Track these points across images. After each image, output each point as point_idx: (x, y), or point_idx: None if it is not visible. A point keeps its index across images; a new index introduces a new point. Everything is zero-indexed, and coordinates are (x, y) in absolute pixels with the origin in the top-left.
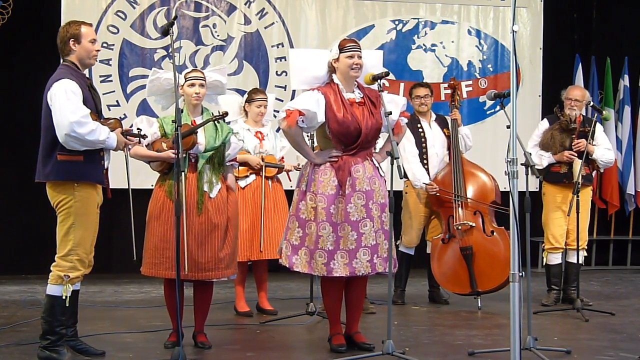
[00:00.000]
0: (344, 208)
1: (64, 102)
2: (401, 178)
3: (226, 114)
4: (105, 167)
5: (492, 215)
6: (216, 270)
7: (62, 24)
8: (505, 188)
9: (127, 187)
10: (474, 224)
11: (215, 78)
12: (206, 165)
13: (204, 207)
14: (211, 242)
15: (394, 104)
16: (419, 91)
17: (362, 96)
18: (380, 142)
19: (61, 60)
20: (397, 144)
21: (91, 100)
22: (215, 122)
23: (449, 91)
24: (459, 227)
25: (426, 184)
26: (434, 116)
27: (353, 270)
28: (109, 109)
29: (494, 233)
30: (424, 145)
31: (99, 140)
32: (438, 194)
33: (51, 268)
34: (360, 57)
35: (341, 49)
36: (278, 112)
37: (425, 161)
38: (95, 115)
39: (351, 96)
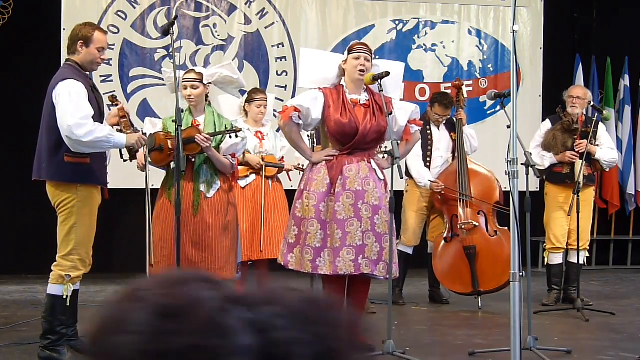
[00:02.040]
0: (333, 206)
1: (65, 104)
2: (401, 178)
3: (239, 130)
4: (107, 167)
5: (495, 216)
6: (209, 271)
7: (63, 24)
8: (505, 188)
9: (128, 187)
10: (477, 224)
11: (225, 74)
12: (204, 165)
13: (200, 207)
14: (204, 242)
15: (403, 111)
16: (439, 110)
17: (367, 99)
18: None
19: (65, 59)
20: (398, 145)
21: (94, 100)
22: (215, 121)
23: (448, 91)
24: (463, 227)
25: (431, 182)
26: (444, 120)
27: (335, 268)
28: (110, 109)
29: (498, 233)
30: (429, 148)
31: (99, 138)
32: (443, 192)
33: (52, 267)
34: (367, 60)
35: (350, 50)
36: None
37: (428, 163)
38: (98, 115)
39: (355, 97)
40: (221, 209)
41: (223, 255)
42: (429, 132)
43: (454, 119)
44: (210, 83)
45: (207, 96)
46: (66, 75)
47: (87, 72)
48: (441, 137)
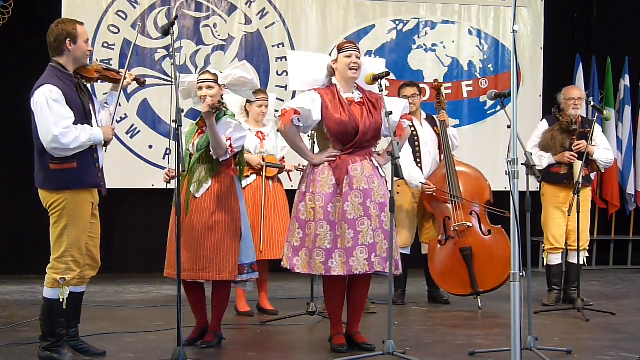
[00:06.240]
0: (342, 206)
1: (46, 112)
2: (401, 178)
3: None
4: (100, 167)
5: (487, 214)
6: (192, 272)
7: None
8: (505, 188)
9: (128, 187)
10: (470, 224)
11: (239, 75)
12: (198, 164)
13: (189, 208)
14: (189, 242)
15: (394, 106)
16: (406, 91)
17: (361, 97)
18: (384, 145)
19: (49, 62)
20: (398, 144)
21: (77, 100)
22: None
23: (447, 92)
24: (457, 228)
25: (423, 184)
26: (424, 115)
27: (350, 268)
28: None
29: (491, 232)
30: (417, 144)
31: (84, 143)
32: (434, 194)
33: (46, 270)
34: (358, 58)
35: (339, 49)
36: (279, 112)
37: (418, 160)
38: (83, 116)
39: (350, 96)
40: (206, 209)
41: (205, 256)
42: (412, 128)
43: (435, 117)
44: (224, 86)
45: (222, 97)
46: (44, 80)
47: (72, 72)
48: (426, 132)
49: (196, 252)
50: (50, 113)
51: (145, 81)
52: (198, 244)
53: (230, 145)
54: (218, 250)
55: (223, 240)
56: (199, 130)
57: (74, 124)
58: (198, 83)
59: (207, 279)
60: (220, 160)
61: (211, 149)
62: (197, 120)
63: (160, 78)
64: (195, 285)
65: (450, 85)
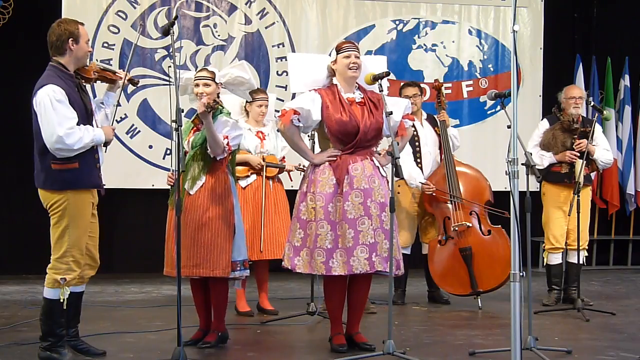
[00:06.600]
0: (342, 206)
1: (50, 113)
2: (401, 178)
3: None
4: (100, 167)
5: (487, 214)
6: (186, 268)
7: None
8: (505, 188)
9: (128, 187)
10: (470, 224)
11: (236, 74)
12: (193, 161)
13: (183, 205)
14: (183, 239)
15: (397, 106)
16: (407, 91)
17: (362, 97)
18: (385, 146)
19: (50, 62)
20: (398, 144)
21: (79, 101)
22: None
23: (446, 92)
24: (456, 228)
25: (422, 184)
26: (424, 115)
27: (350, 268)
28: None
29: (491, 232)
30: (417, 144)
31: (87, 143)
32: (434, 194)
33: (47, 270)
34: (357, 57)
35: (338, 50)
36: (279, 112)
37: (418, 160)
38: (85, 117)
39: (350, 96)
40: (200, 206)
41: (198, 252)
42: (414, 128)
43: (436, 118)
44: (221, 84)
45: (218, 95)
46: (46, 80)
47: (73, 72)
48: (427, 133)
49: (190, 248)
50: (54, 113)
51: (138, 81)
52: (192, 240)
53: (228, 144)
54: (211, 246)
55: (216, 237)
56: (194, 128)
57: (76, 124)
58: (195, 80)
59: (201, 275)
60: (217, 158)
61: (208, 147)
62: (193, 118)
63: (160, 78)
64: (202, 286)
65: (450, 85)
